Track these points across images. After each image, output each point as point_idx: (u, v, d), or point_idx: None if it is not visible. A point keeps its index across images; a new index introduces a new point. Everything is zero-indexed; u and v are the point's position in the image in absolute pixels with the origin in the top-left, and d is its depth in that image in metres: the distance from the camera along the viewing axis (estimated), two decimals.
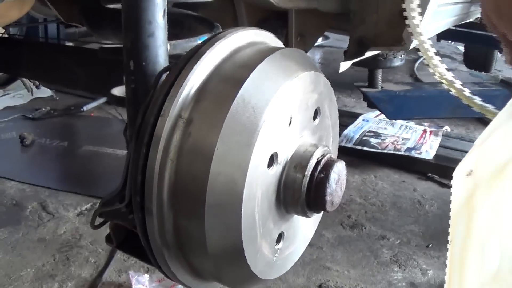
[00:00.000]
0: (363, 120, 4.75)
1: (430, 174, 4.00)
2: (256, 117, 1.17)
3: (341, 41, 7.31)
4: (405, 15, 1.07)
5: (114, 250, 2.90)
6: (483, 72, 6.49)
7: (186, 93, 1.20)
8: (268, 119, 1.19)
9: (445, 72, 0.99)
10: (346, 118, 4.69)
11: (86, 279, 2.74)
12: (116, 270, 2.80)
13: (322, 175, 1.31)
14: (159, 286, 2.64)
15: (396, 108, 3.39)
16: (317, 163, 1.32)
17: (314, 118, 1.43)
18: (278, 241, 1.38)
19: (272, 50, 1.31)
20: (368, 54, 2.45)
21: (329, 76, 1.47)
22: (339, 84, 5.01)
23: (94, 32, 2.69)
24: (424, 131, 4.51)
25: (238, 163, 1.15)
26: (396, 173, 4.06)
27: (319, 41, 7.51)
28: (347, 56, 2.44)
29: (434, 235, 3.27)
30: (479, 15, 3.66)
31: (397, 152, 4.14)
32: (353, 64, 2.57)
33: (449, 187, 3.72)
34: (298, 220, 1.46)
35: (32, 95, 5.24)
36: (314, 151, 1.33)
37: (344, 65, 2.48)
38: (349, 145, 4.21)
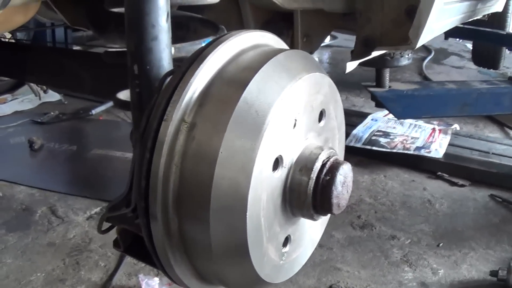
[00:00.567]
0: (372, 119, 4.73)
1: (440, 173, 3.98)
2: (260, 120, 1.17)
3: (350, 40, 7.27)
4: None
5: (123, 254, 2.90)
6: (491, 70, 6.46)
7: (189, 97, 1.19)
8: (272, 122, 1.18)
9: None
10: (355, 117, 4.68)
11: (96, 283, 2.74)
12: (126, 273, 2.80)
13: (328, 177, 1.30)
14: None
15: (404, 107, 3.38)
16: (323, 165, 1.31)
17: (319, 120, 1.42)
18: (285, 244, 1.37)
19: (276, 52, 1.31)
20: (375, 53, 2.44)
21: (338, 76, 1.47)
22: (348, 83, 5.00)
23: (100, 36, 2.69)
24: (433, 129, 4.49)
25: (243, 166, 1.14)
26: (405, 173, 4.04)
27: (327, 41, 7.51)
28: (354, 56, 2.44)
29: (445, 234, 3.25)
30: (486, 12, 3.65)
31: (406, 151, 4.13)
32: (361, 63, 2.56)
33: (458, 185, 3.73)
34: (305, 223, 1.46)
35: (40, 99, 5.25)
36: (320, 154, 1.32)
37: (351, 65, 2.47)
38: (358, 145, 4.20)
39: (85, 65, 2.59)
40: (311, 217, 1.36)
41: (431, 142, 4.26)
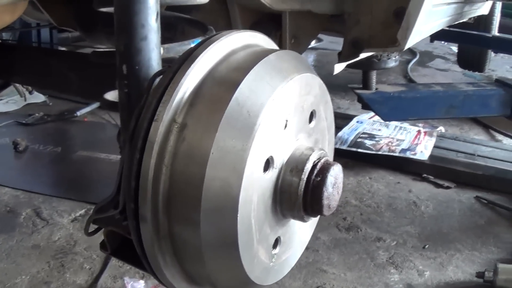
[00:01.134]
0: (357, 121, 4.75)
1: (425, 175, 4.00)
2: (251, 120, 1.16)
3: (335, 43, 7.31)
4: None
5: (109, 256, 2.88)
6: (476, 72, 6.50)
7: (180, 97, 1.18)
8: (263, 122, 1.17)
9: None
10: (340, 120, 4.68)
11: (81, 285, 2.72)
12: (111, 276, 2.78)
13: (318, 178, 1.30)
14: None
15: (390, 109, 3.38)
16: (314, 166, 1.31)
17: (310, 121, 1.41)
18: (274, 246, 1.36)
19: (267, 52, 1.30)
20: (363, 55, 2.44)
21: (323, 78, 1.46)
22: (333, 86, 4.96)
23: (87, 37, 2.67)
24: (419, 132, 4.51)
25: (234, 167, 1.14)
26: (391, 174, 4.05)
27: (313, 43, 7.51)
28: (341, 58, 2.43)
29: (430, 236, 3.26)
30: (472, 15, 3.67)
31: (391, 154, 4.14)
32: (347, 65, 2.56)
33: (444, 187, 3.74)
34: (295, 225, 1.45)
35: (25, 100, 5.22)
36: (310, 155, 1.31)
37: (338, 67, 2.47)
38: (344, 147, 4.21)
39: (72, 66, 2.58)
40: (302, 219, 1.35)
41: (417, 144, 4.27)
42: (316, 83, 1.41)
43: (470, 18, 3.84)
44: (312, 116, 1.42)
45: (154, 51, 1.33)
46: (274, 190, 1.29)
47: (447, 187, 3.84)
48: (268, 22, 2.52)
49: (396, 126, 4.61)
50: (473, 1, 3.38)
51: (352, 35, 2.35)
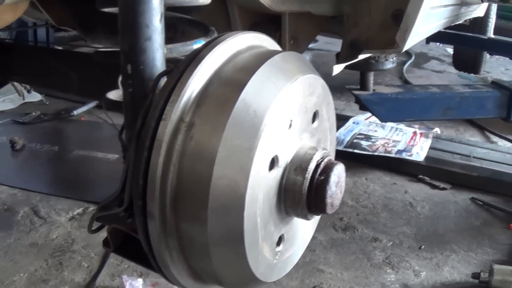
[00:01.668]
0: (353, 122, 4.76)
1: (421, 176, 4.01)
2: (257, 120, 1.18)
3: (330, 44, 7.32)
4: None
5: (107, 255, 2.89)
6: (472, 74, 6.53)
7: (187, 97, 1.20)
8: (269, 122, 1.19)
9: None
10: (336, 120, 4.65)
11: (79, 283, 2.73)
12: (109, 274, 2.79)
13: (322, 177, 1.32)
14: None
15: (388, 110, 3.39)
16: (317, 165, 1.33)
17: (313, 121, 1.43)
18: (278, 243, 1.38)
19: (272, 53, 1.32)
20: (361, 57, 2.46)
21: None
22: (329, 87, 4.97)
23: (86, 36, 2.68)
24: (415, 133, 4.52)
25: (240, 166, 1.15)
26: (387, 175, 4.06)
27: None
28: (340, 59, 2.45)
29: (426, 236, 3.28)
30: (468, 17, 3.69)
31: (388, 155, 4.15)
32: (345, 66, 2.58)
33: (440, 188, 3.75)
34: (298, 223, 1.47)
35: (24, 99, 5.21)
36: (314, 154, 1.33)
37: (337, 68, 2.49)
38: (340, 148, 4.21)
39: (73, 65, 2.59)
40: (305, 217, 1.37)
41: (413, 145, 4.29)
42: (319, 84, 1.43)
43: (466, 20, 3.86)
44: (315, 116, 1.44)
45: (158, 51, 1.35)
46: (279, 188, 1.31)
47: (443, 188, 3.86)
48: (267, 23, 2.53)
49: (392, 127, 4.63)
50: (469, 3, 3.40)
51: (351, 37, 2.37)
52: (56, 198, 3.51)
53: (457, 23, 3.52)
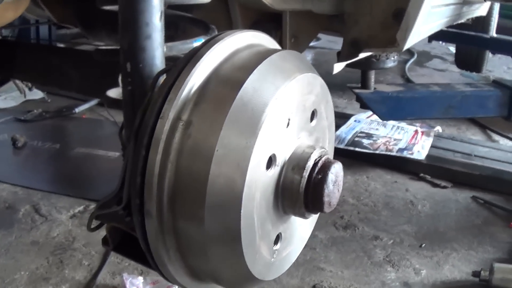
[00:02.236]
0: (354, 121, 4.75)
1: (422, 174, 4.01)
2: (255, 119, 1.18)
3: (333, 42, 7.32)
4: None
5: (107, 253, 2.90)
6: (474, 73, 6.51)
7: (185, 95, 1.20)
8: (266, 121, 1.19)
9: None
10: (338, 119, 4.66)
11: (80, 281, 2.73)
12: (110, 272, 2.79)
13: (319, 176, 1.32)
14: None
15: (389, 108, 3.39)
16: (315, 164, 1.33)
17: (311, 119, 1.43)
18: (276, 242, 1.38)
19: (270, 52, 1.32)
20: (362, 55, 2.45)
21: (321, 77, 1.48)
22: (330, 85, 4.88)
23: (87, 34, 2.69)
24: (416, 131, 4.52)
25: (238, 164, 1.16)
26: (388, 174, 4.07)
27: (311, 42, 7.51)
28: (341, 57, 2.45)
29: (427, 235, 3.28)
30: (470, 16, 3.68)
31: (389, 153, 4.15)
32: (346, 65, 2.58)
33: (441, 187, 3.75)
34: (295, 221, 1.47)
35: (25, 97, 5.21)
36: (312, 153, 1.33)
37: (338, 67, 2.48)
38: (341, 146, 4.21)
39: (74, 63, 2.59)
40: (303, 215, 1.37)
41: (414, 144, 4.28)
42: (317, 83, 1.43)
43: (468, 19, 3.86)
44: (313, 115, 1.44)
45: (158, 49, 1.35)
46: (276, 187, 1.31)
47: (444, 187, 3.86)
48: (268, 22, 2.53)
49: (393, 126, 4.62)
50: (471, 2, 3.39)
51: (352, 35, 2.37)
52: (57, 196, 3.52)
53: (460, 22, 3.52)
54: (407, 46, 2.27)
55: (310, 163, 1.32)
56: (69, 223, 3.23)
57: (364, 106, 3.42)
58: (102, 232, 1.44)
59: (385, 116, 3.59)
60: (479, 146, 4.38)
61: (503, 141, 4.82)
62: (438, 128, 4.72)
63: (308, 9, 2.35)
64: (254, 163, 1.18)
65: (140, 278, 2.66)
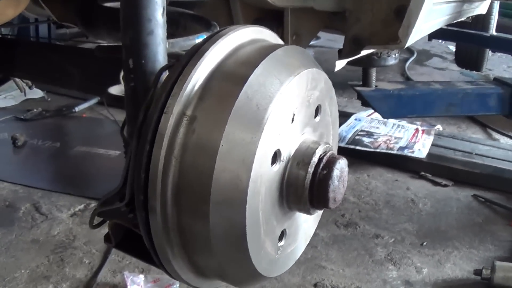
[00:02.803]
0: (355, 119, 4.75)
1: (423, 173, 4.01)
2: (260, 114, 1.17)
3: (333, 41, 7.31)
4: None
5: (108, 251, 2.89)
6: (474, 71, 6.51)
7: (189, 91, 1.20)
8: (271, 116, 1.19)
9: None
10: (339, 117, 4.68)
11: (80, 280, 2.73)
12: (111, 270, 2.79)
13: (325, 172, 1.31)
14: (154, 286, 2.63)
15: (390, 106, 3.39)
16: (320, 160, 1.32)
17: (315, 115, 1.43)
18: (280, 238, 1.38)
19: (274, 47, 1.31)
20: (363, 52, 2.45)
21: None
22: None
23: (88, 32, 2.68)
24: (417, 130, 4.52)
25: (243, 159, 1.15)
26: (389, 172, 4.06)
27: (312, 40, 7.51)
28: (342, 55, 2.44)
29: (428, 233, 3.28)
30: (471, 14, 3.68)
31: (389, 151, 4.15)
32: (348, 63, 2.57)
33: (442, 185, 3.75)
34: (300, 217, 1.47)
35: (25, 96, 5.21)
36: (317, 148, 1.33)
37: (339, 64, 2.48)
38: (342, 144, 4.21)
39: (75, 61, 2.58)
40: (308, 211, 1.37)
41: (414, 142, 4.28)
42: (322, 78, 1.43)
43: (468, 17, 3.86)
44: (317, 110, 1.44)
45: (160, 45, 1.34)
46: (281, 183, 1.30)
47: (445, 185, 3.86)
48: (269, 19, 2.52)
49: (394, 124, 4.62)
50: (471, 0, 3.39)
51: (353, 33, 2.36)
52: (58, 194, 3.51)
53: (460, 20, 3.51)
54: (409, 43, 2.26)
55: (315, 159, 1.32)
56: (69, 221, 3.22)
57: (365, 104, 3.41)
58: (104, 230, 1.43)
59: (386, 114, 3.59)
60: (480, 144, 4.38)
61: (503, 140, 4.82)
62: (439, 127, 4.72)
63: (309, 6, 2.34)
64: (259, 159, 1.17)
65: (141, 276, 2.66)
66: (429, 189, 3.84)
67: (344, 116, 4.76)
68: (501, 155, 4.18)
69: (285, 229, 1.39)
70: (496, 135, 4.92)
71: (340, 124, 4.43)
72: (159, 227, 1.21)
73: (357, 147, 4.20)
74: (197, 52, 1.24)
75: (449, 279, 2.85)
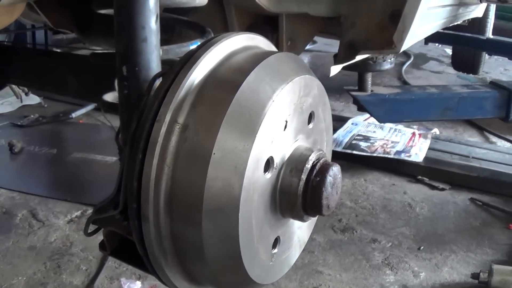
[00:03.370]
0: (352, 123, 4.75)
1: (420, 177, 4.01)
2: (252, 121, 1.17)
3: (329, 45, 7.32)
4: None
5: (105, 257, 2.89)
6: (470, 74, 6.52)
7: (181, 98, 1.20)
8: (264, 123, 1.19)
9: None
10: (335, 122, 4.62)
11: (77, 286, 2.72)
12: (108, 277, 2.78)
13: (318, 178, 1.31)
14: None
15: (386, 111, 3.39)
16: (313, 166, 1.32)
17: (309, 122, 1.43)
18: (274, 245, 1.38)
19: (267, 54, 1.32)
20: (359, 57, 2.45)
21: None
22: (327, 88, 4.88)
23: (84, 38, 2.68)
24: (413, 134, 4.52)
25: (235, 167, 1.15)
26: (386, 176, 4.06)
27: (307, 45, 7.51)
28: (338, 60, 2.44)
29: (425, 237, 3.27)
30: (467, 18, 3.68)
31: (386, 155, 4.14)
32: (343, 67, 2.57)
33: (439, 189, 3.75)
34: (294, 224, 1.47)
35: (22, 102, 5.21)
36: (310, 155, 1.33)
37: (335, 69, 2.48)
38: (339, 149, 4.21)
39: (71, 67, 2.59)
40: (301, 218, 1.37)
41: (411, 146, 4.28)
42: (314, 85, 1.43)
43: (464, 21, 3.86)
44: (311, 117, 1.43)
45: (153, 52, 1.34)
46: (274, 190, 1.30)
47: (442, 189, 3.86)
48: (264, 25, 2.53)
49: (390, 128, 4.62)
50: (467, 3, 3.39)
51: (348, 38, 2.36)
52: (55, 201, 3.51)
53: (456, 23, 3.52)
54: (404, 47, 2.26)
55: (308, 166, 1.32)
56: (66, 228, 3.22)
57: (362, 108, 3.42)
58: (100, 237, 1.43)
59: (382, 119, 3.59)
60: (477, 148, 4.37)
61: (500, 143, 4.82)
62: (436, 130, 4.72)
63: (304, 11, 2.34)
64: (252, 166, 1.17)
65: (138, 283, 2.66)
66: (426, 193, 3.83)
67: (340, 121, 4.76)
68: (498, 158, 4.17)
69: (278, 236, 1.39)
70: (493, 138, 4.92)
71: (337, 129, 4.44)
72: (152, 235, 1.21)
73: (354, 152, 4.19)
74: (189, 60, 1.24)
75: (447, 283, 2.85)
